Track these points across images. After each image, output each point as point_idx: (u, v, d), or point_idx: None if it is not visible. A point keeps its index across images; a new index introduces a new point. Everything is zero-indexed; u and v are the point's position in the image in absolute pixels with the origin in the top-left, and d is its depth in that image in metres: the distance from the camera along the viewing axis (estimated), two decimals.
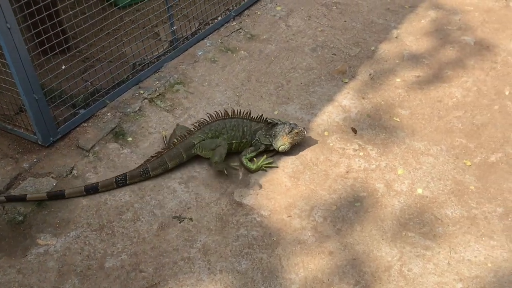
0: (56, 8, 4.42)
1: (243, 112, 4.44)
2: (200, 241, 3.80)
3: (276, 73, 5.40)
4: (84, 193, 4.05)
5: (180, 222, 3.93)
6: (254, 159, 4.41)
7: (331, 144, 4.63)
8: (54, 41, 4.30)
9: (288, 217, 4.00)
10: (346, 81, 5.34)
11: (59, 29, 4.40)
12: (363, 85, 5.28)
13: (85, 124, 4.63)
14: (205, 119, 4.37)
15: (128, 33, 5.23)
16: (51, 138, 4.43)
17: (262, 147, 4.44)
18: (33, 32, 4.19)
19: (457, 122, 4.84)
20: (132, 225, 3.90)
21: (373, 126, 4.81)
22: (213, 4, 5.99)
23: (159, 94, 4.96)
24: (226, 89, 5.15)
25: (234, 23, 6.07)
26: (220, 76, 5.29)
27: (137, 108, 4.80)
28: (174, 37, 5.35)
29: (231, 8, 6.18)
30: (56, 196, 4.01)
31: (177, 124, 4.56)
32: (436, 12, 6.43)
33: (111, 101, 4.79)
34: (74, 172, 4.25)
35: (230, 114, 4.39)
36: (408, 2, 6.65)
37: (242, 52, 5.63)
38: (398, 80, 5.35)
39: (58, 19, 4.41)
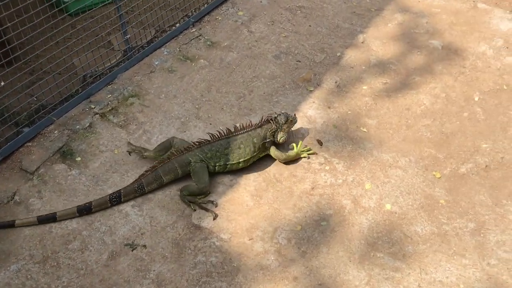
0: None
1: (246, 124, 4.24)
2: (154, 270, 3.51)
3: (238, 82, 5.14)
4: (77, 214, 3.77)
5: (132, 250, 3.62)
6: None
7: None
8: None
9: (249, 240, 3.74)
10: (311, 89, 5.11)
11: (4, 38, 4.06)
12: (329, 94, 5.06)
13: (30, 144, 4.27)
14: (206, 139, 4.12)
15: (79, 42, 4.90)
16: None
17: (271, 143, 4.28)
18: None
19: (426, 131, 4.65)
20: (80, 255, 3.58)
21: (339, 138, 4.58)
22: (170, 10, 5.68)
23: (112, 108, 4.63)
24: (185, 101, 4.85)
25: (194, 30, 5.78)
26: (178, 87, 4.99)
27: (87, 124, 4.46)
28: (128, 46, 5.02)
29: (190, 14, 5.88)
30: (48, 219, 3.72)
31: (174, 137, 4.27)
32: (403, 15, 6.26)
33: (59, 117, 4.44)
34: (16, 197, 3.90)
35: (233, 131, 4.17)
36: (374, 5, 6.46)
37: (202, 60, 5.34)
38: (365, 87, 5.14)
39: (2, 28, 4.06)
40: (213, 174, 4.12)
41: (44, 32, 4.43)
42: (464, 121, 4.75)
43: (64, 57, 4.59)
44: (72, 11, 4.87)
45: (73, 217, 3.80)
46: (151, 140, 4.43)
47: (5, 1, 4.05)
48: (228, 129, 4.19)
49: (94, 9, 5.20)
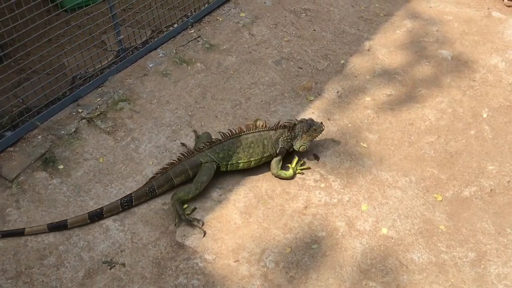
0: None
1: (260, 125, 4.12)
2: None
3: (235, 89, 4.91)
4: (88, 221, 3.65)
5: (110, 269, 3.44)
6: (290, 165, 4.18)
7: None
8: None
9: (235, 262, 3.53)
10: (312, 99, 4.88)
11: None
12: (330, 104, 4.82)
13: (11, 149, 4.08)
14: (217, 138, 4.02)
15: (72, 40, 4.70)
16: None
17: (285, 152, 4.15)
18: None
19: (429, 149, 4.41)
20: (55, 271, 3.40)
21: (337, 153, 4.35)
22: (169, 9, 5.46)
23: (100, 113, 4.43)
24: (178, 107, 4.64)
25: (192, 31, 5.55)
26: (171, 92, 4.78)
27: (73, 129, 4.27)
28: (121, 47, 4.80)
29: (189, 13, 5.65)
30: (58, 227, 3.59)
31: (202, 132, 4.26)
32: (413, 22, 5.99)
33: (43, 121, 4.24)
34: None
35: (245, 130, 4.05)
36: (383, 10, 6.20)
37: (199, 64, 5.12)
38: (367, 99, 4.90)
39: None
40: (218, 176, 4.02)
41: (37, 28, 4.25)
42: (470, 139, 4.50)
43: (54, 56, 4.39)
44: (68, 6, 4.67)
45: (85, 224, 3.65)
46: (139, 149, 4.23)
47: None
48: (240, 127, 4.08)
49: (91, 5, 5.01)
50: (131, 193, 3.78)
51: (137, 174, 4.03)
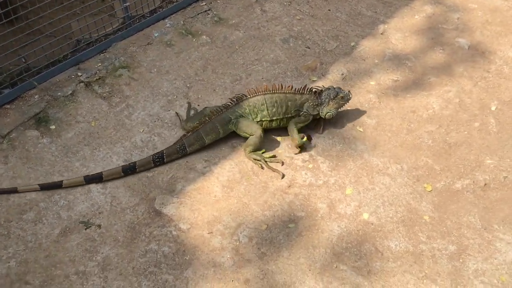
0: None
1: (285, 86, 4.15)
2: (102, 253, 3.38)
3: (237, 64, 4.88)
4: (122, 174, 3.79)
5: (86, 229, 3.51)
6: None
7: (279, 151, 4.13)
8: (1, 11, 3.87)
9: (209, 233, 3.54)
10: (314, 79, 4.79)
11: None
12: None
13: (8, 106, 4.20)
14: (243, 94, 4.11)
15: (83, 4, 4.74)
16: None
17: (311, 118, 4.21)
18: None
19: (428, 138, 4.27)
20: (32, 227, 3.49)
21: (331, 135, 4.28)
22: None
23: (99, 78, 4.49)
24: (177, 78, 4.65)
25: (204, 3, 5.52)
26: (172, 63, 4.78)
27: (70, 92, 4.34)
28: (127, 14, 4.83)
29: None
30: (94, 179, 3.74)
31: (206, 108, 4.25)
32: (434, 7, 5.77)
33: (42, 82, 4.33)
34: None
35: (271, 89, 4.10)
36: None
37: (204, 37, 5.10)
38: (372, 83, 4.78)
39: None
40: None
41: None
42: (473, 131, 4.33)
43: (61, 17, 4.43)
44: None
45: (119, 177, 3.77)
46: (131, 116, 4.27)
47: None
48: (266, 86, 4.12)
49: None
50: (162, 150, 3.90)
51: (126, 141, 4.07)
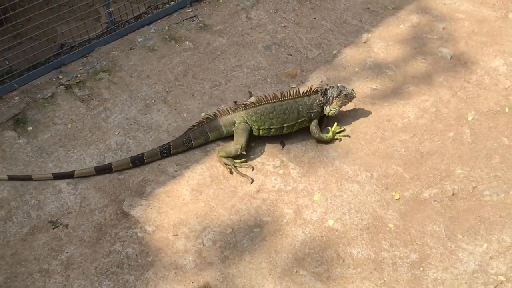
0: None
1: (294, 92, 4.24)
2: (67, 252, 3.46)
3: (218, 70, 4.95)
4: (130, 164, 3.95)
5: (54, 228, 3.59)
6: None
7: (251, 157, 4.18)
8: None
9: (173, 236, 3.61)
10: (293, 86, 4.84)
11: None
12: None
13: None
14: (252, 102, 4.20)
15: (69, 4, 4.85)
16: None
17: (318, 115, 4.30)
18: None
19: (401, 146, 4.30)
20: (2, 225, 3.59)
21: (304, 141, 4.33)
22: None
23: (80, 81, 4.59)
24: (156, 82, 4.73)
25: (190, 10, 5.61)
26: (153, 68, 4.87)
27: (49, 94, 4.45)
28: (110, 19, 4.93)
29: None
30: (104, 169, 3.89)
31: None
32: (420, 17, 5.79)
33: (23, 84, 4.44)
34: None
35: (280, 97, 4.18)
36: (393, 3, 6.02)
37: (187, 42, 5.18)
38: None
39: None
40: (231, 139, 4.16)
41: None
42: (446, 141, 4.35)
43: (49, 17, 4.54)
44: None
45: (127, 168, 3.92)
46: (108, 119, 4.36)
47: None
48: (275, 94, 4.18)
49: None
50: (169, 142, 4.04)
51: (101, 143, 4.16)
